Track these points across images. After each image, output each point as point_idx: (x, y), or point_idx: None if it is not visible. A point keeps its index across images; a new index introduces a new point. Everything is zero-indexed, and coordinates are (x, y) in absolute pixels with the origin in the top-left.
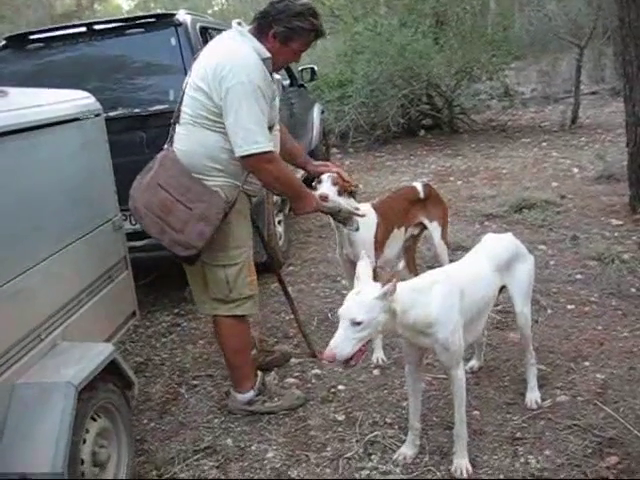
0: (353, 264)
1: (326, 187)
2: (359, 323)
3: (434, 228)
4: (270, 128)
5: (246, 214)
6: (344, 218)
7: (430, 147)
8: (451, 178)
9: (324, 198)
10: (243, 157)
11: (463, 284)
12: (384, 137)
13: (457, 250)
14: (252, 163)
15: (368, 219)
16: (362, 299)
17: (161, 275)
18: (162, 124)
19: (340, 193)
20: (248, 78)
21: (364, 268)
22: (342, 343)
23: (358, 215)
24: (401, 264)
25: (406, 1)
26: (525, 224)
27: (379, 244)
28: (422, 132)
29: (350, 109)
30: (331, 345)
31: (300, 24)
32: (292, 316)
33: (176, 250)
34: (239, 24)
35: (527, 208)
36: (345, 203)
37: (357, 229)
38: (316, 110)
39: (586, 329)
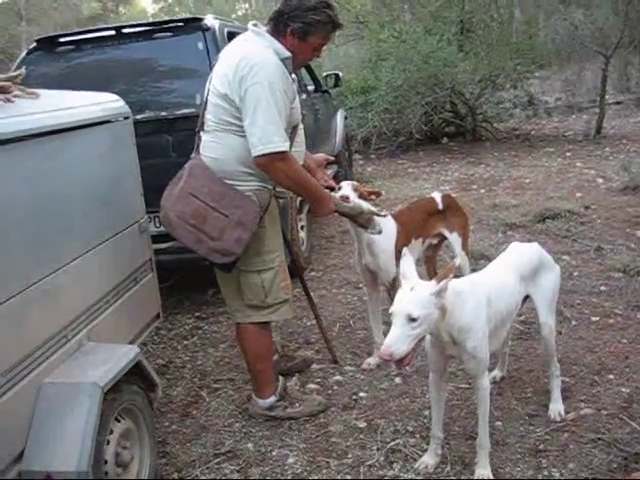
0: (373, 274)
1: (347, 190)
2: (415, 319)
3: (454, 239)
4: (294, 127)
5: (277, 218)
6: (366, 220)
7: (453, 155)
8: (474, 186)
9: (345, 199)
10: (257, 156)
11: (489, 292)
12: (406, 144)
13: (480, 259)
14: (265, 162)
15: (388, 228)
16: (419, 294)
17: (183, 277)
18: (188, 128)
19: (361, 198)
20: (267, 78)
21: (408, 265)
22: (398, 341)
23: (380, 215)
24: (457, 260)
25: (432, 8)
26: (549, 234)
27: (397, 255)
28: (445, 140)
29: (373, 115)
30: (387, 343)
31: (316, 17)
32: (314, 322)
33: (214, 258)
34: (255, 25)
35: (551, 218)
36: (366, 205)
37: (380, 232)
38: (339, 116)
39: (610, 342)
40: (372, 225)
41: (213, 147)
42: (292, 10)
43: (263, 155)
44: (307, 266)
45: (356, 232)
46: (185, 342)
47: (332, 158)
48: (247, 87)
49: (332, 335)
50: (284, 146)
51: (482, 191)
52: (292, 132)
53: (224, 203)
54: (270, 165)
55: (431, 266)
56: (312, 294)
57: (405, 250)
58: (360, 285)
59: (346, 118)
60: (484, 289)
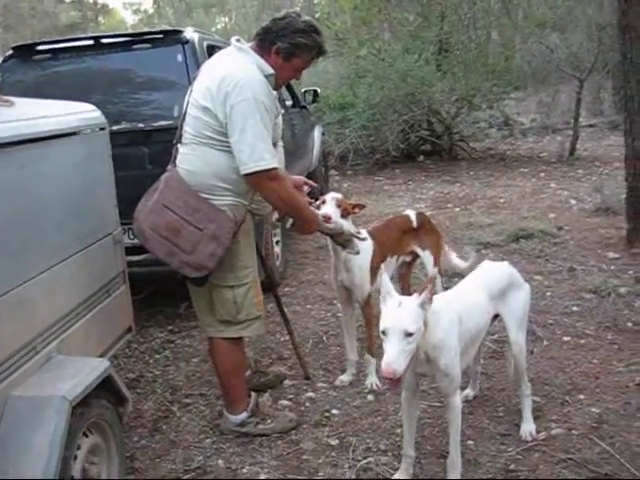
0: (348, 290)
1: (330, 208)
2: (411, 334)
3: (427, 257)
4: (274, 144)
5: (252, 233)
6: (345, 241)
7: (428, 173)
8: (449, 205)
9: (327, 219)
10: (248, 174)
11: (460, 311)
12: (383, 161)
13: (454, 277)
14: (255, 180)
15: (365, 246)
16: (409, 308)
17: (156, 290)
18: (165, 140)
19: (343, 215)
20: (253, 95)
21: (388, 282)
22: (399, 357)
23: (359, 238)
24: (435, 270)
25: (411, 28)
26: (522, 254)
27: (374, 271)
28: (421, 158)
29: (350, 132)
30: (388, 360)
31: (303, 40)
32: (287, 337)
33: (186, 271)
34: (238, 40)
35: (524, 238)
36: (347, 225)
37: (358, 252)
38: (317, 132)
39: (582, 362)
40: (351, 246)
41: (190, 160)
42: (280, 29)
43: (254, 173)
44: (281, 281)
45: (334, 249)
46: (157, 356)
47: (314, 184)
48: (233, 104)
49: (305, 351)
50: (274, 163)
51: (457, 210)
52: (274, 146)
53: (198, 217)
54: (261, 183)
55: (405, 283)
56: (286, 310)
57: (382, 268)
58: (334, 301)
59: (323, 134)
60: (456, 307)
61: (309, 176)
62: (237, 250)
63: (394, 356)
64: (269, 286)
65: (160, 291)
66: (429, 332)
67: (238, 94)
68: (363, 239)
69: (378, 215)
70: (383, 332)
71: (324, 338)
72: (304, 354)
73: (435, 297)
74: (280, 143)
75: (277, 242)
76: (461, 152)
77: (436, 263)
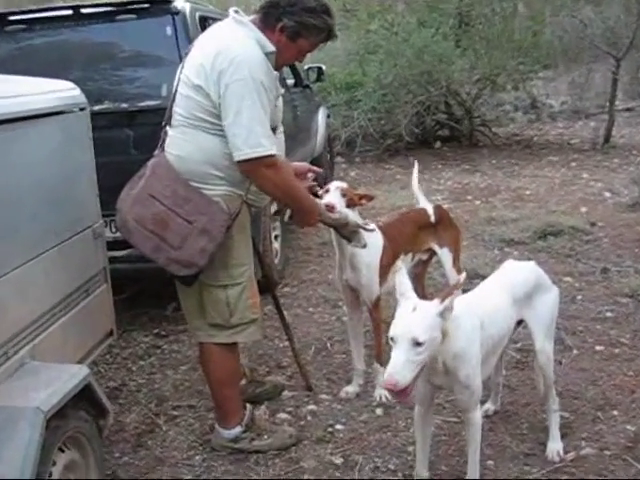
0: (354, 291)
1: (334, 197)
2: (421, 344)
3: (445, 255)
4: (274, 129)
5: (248, 227)
6: (350, 233)
7: (446, 161)
8: (468, 197)
9: (330, 208)
10: (242, 161)
11: (482, 315)
12: (395, 147)
13: (474, 278)
14: (250, 168)
15: (374, 241)
16: (424, 315)
17: (141, 290)
18: (152, 122)
19: (349, 206)
20: (250, 73)
21: (405, 281)
22: (404, 368)
23: (366, 229)
24: (463, 275)
25: None
26: (550, 253)
27: (384, 270)
28: (438, 144)
29: (359, 114)
30: (390, 371)
31: (313, 20)
32: (286, 343)
33: (173, 269)
34: (236, 12)
35: (553, 235)
36: (352, 216)
37: (365, 246)
38: (321, 114)
39: (616, 374)
40: (357, 238)
41: (180, 144)
42: (289, 5)
43: (249, 160)
44: (280, 281)
45: (339, 243)
46: (141, 363)
47: (320, 170)
48: (228, 83)
49: (306, 359)
50: (272, 150)
51: (478, 202)
52: (274, 131)
53: (188, 208)
54: (256, 171)
55: (420, 284)
56: (285, 313)
57: (400, 264)
58: (340, 303)
59: (329, 116)
60: (478, 311)
61: (312, 163)
62: (231, 246)
63: (398, 366)
64: (267, 286)
65: (145, 291)
66: (450, 340)
67: (234, 72)
68: (371, 230)
69: (389, 208)
70: (391, 338)
71: (328, 345)
72: (305, 362)
73: (456, 301)
74: (280, 128)
75: (276, 237)
76: (482, 138)
77: (455, 262)
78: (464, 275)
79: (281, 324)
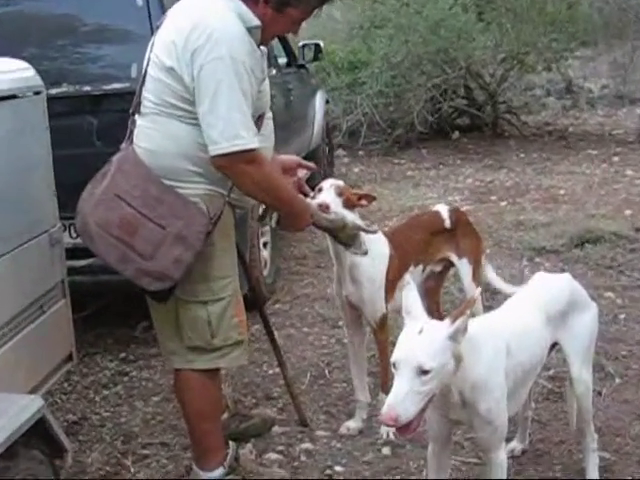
0: (356, 309)
1: (328, 195)
2: (427, 372)
3: (464, 266)
4: (259, 118)
5: (232, 233)
6: (348, 237)
7: (466, 155)
8: (492, 197)
9: (324, 208)
10: (218, 156)
11: (509, 338)
12: (406, 139)
13: (497, 294)
14: (227, 164)
15: (378, 250)
16: (432, 339)
17: (106, 306)
18: (119, 108)
19: (346, 207)
20: (230, 52)
21: (413, 297)
22: (406, 399)
23: (369, 232)
24: (478, 291)
25: None
26: (588, 263)
27: (390, 285)
28: (456, 134)
29: (363, 100)
30: (391, 402)
31: None
32: (277, 370)
33: (143, 282)
34: None
35: (591, 242)
36: (351, 217)
37: (365, 252)
38: (319, 99)
39: None
40: (356, 243)
41: (151, 136)
42: None
43: (226, 155)
44: (270, 296)
45: (336, 251)
46: (105, 392)
47: (313, 166)
48: (203, 63)
49: (301, 388)
50: (254, 142)
51: (503, 204)
52: (257, 122)
53: (161, 211)
54: (234, 168)
55: (433, 301)
56: (276, 333)
57: (408, 277)
58: (340, 323)
59: (328, 102)
60: (503, 333)
61: (309, 157)
62: (212, 255)
63: (400, 397)
64: (254, 302)
65: (111, 307)
66: (466, 367)
67: (211, 50)
68: (373, 232)
69: (398, 210)
70: (394, 364)
71: (326, 372)
72: (299, 392)
73: (475, 320)
74: (268, 114)
75: (265, 244)
76: (509, 128)
77: (475, 275)
78: (479, 291)
79: (271, 347)
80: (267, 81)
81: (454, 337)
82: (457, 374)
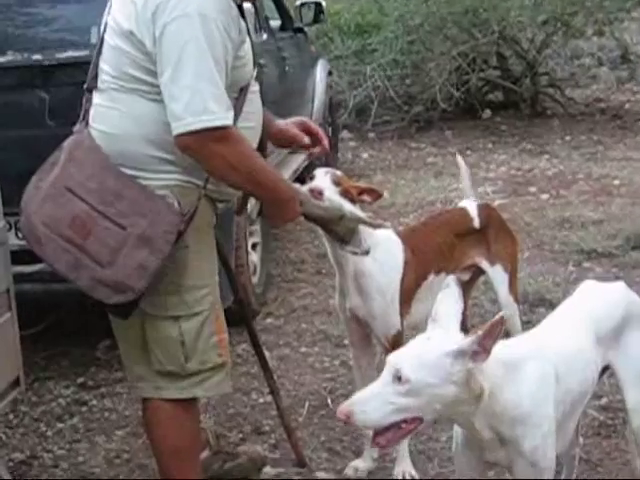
0: (362, 325)
1: (322, 181)
2: (402, 381)
3: (497, 275)
4: (242, 90)
5: (210, 232)
6: (346, 231)
7: (499, 138)
8: (531, 189)
9: (317, 194)
10: (181, 135)
11: (556, 361)
12: (426, 118)
13: (538, 306)
14: (194, 144)
15: (390, 254)
16: (426, 349)
17: (59, 321)
18: (77, 81)
19: (344, 196)
20: (198, 8)
21: (448, 302)
22: (371, 401)
23: (372, 225)
24: (506, 312)
25: None
26: None
27: (406, 296)
28: (487, 113)
29: (374, 71)
30: (354, 398)
31: None
32: (269, 398)
33: (101, 294)
34: None
35: None
36: (349, 207)
37: (367, 252)
38: (320, 70)
39: None
40: (355, 240)
41: (109, 116)
42: None
43: (191, 133)
44: (260, 309)
45: (335, 254)
46: (59, 425)
47: (320, 133)
48: (166, 22)
49: (298, 421)
50: (226, 118)
51: (544, 197)
52: (238, 97)
53: (121, 207)
54: (202, 149)
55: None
56: (268, 354)
57: (451, 279)
58: (345, 341)
59: (331, 73)
60: (550, 355)
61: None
62: (185, 260)
63: (365, 396)
64: (240, 316)
65: (65, 322)
66: (504, 398)
67: (175, 6)
68: (378, 226)
69: (417, 205)
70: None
71: (328, 400)
72: (296, 426)
73: (516, 341)
74: (253, 87)
75: (254, 246)
76: (551, 105)
77: (512, 284)
78: (512, 309)
79: (261, 371)
80: (248, 45)
81: (459, 357)
82: (483, 407)
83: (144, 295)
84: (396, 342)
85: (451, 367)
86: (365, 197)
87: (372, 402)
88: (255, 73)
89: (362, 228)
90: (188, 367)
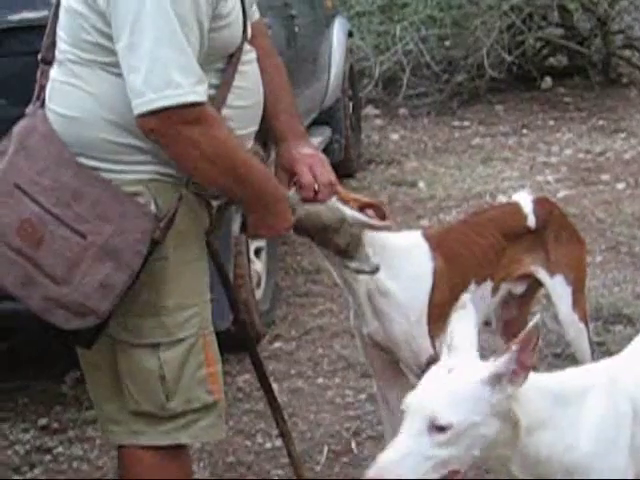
0: (384, 351)
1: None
2: (444, 429)
3: (558, 288)
4: (231, 57)
5: (198, 239)
6: (348, 242)
7: (563, 113)
8: (604, 177)
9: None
10: (142, 115)
11: (634, 394)
12: (471, 89)
13: (614, 323)
14: (157, 125)
15: (415, 263)
16: (458, 383)
17: (14, 348)
18: (32, 49)
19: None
20: None
21: (465, 325)
22: (405, 461)
23: (379, 228)
24: (537, 318)
25: None
26: None
27: (437, 312)
28: (548, 82)
29: (405, 31)
30: (383, 461)
31: None
32: (278, 442)
33: (56, 318)
34: None
35: None
36: (351, 211)
37: (376, 269)
38: (337, 31)
39: None
40: (361, 252)
41: (66, 94)
42: None
43: (153, 112)
44: (266, 331)
45: (341, 274)
46: (17, 478)
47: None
48: None
49: (315, 470)
50: (195, 93)
51: (620, 187)
52: (226, 68)
53: (80, 209)
54: (167, 132)
55: (514, 339)
56: (276, 387)
57: (465, 298)
58: (371, 370)
59: (351, 35)
60: (627, 390)
61: (322, 118)
62: (163, 275)
63: (397, 456)
64: (242, 341)
65: (25, 350)
66: (553, 440)
67: None
68: (384, 229)
69: (460, 198)
70: (402, 412)
71: (352, 444)
72: (314, 475)
73: (579, 371)
74: (248, 55)
75: (258, 252)
76: (628, 71)
77: (579, 299)
78: (537, 319)
79: (269, 408)
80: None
81: (496, 382)
82: (523, 447)
83: (112, 317)
84: (427, 367)
85: (491, 397)
86: (367, 211)
87: (407, 462)
88: (248, 35)
89: (372, 237)
90: (170, 407)
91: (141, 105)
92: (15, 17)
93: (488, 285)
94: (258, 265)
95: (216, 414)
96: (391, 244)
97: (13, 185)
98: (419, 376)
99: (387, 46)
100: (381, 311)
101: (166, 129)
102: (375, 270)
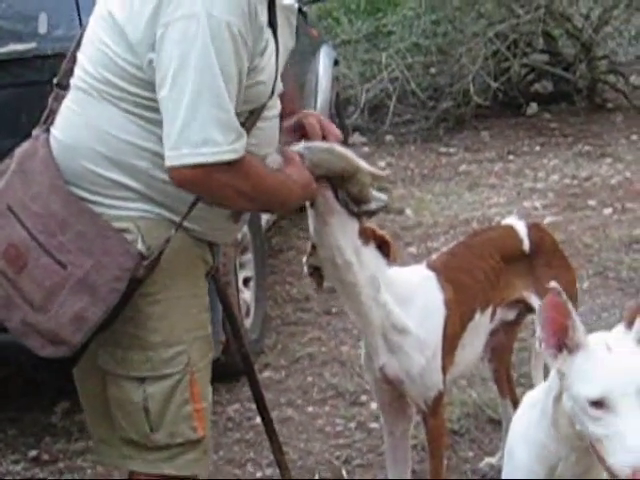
0: (396, 387)
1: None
2: None
3: None
4: (254, 112)
5: (193, 278)
6: (360, 189)
7: (549, 138)
8: (590, 202)
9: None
10: (177, 168)
11: None
12: (457, 115)
13: None
14: (192, 178)
15: (427, 299)
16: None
17: (6, 378)
18: (21, 80)
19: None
20: (206, 7)
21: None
22: None
23: (379, 175)
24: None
25: None
26: None
27: (451, 345)
28: (533, 108)
29: (391, 58)
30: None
31: None
32: (269, 472)
33: (33, 343)
34: None
35: None
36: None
37: (385, 205)
38: (323, 59)
39: None
40: (371, 195)
41: (70, 122)
42: None
43: (188, 167)
44: (255, 360)
45: (357, 308)
46: None
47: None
48: (168, 22)
49: None
50: (234, 151)
51: (607, 212)
52: (245, 122)
53: (64, 239)
54: (205, 182)
55: (502, 364)
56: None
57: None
58: (363, 398)
59: (337, 63)
60: None
61: None
62: (146, 312)
63: None
64: (231, 371)
65: (14, 379)
66: None
67: (180, 4)
68: (383, 175)
69: (447, 225)
70: (598, 403)
71: (343, 472)
72: None
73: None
74: (272, 111)
75: (246, 281)
76: (613, 96)
77: None
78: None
79: (263, 437)
80: (272, 55)
81: None
82: None
83: (82, 350)
84: (437, 405)
85: None
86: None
87: None
88: (276, 92)
89: (381, 277)
90: (154, 439)
91: (173, 158)
92: (4, 50)
93: (488, 313)
94: (246, 294)
95: (201, 450)
96: (400, 280)
97: (6, 206)
98: (424, 411)
99: (373, 74)
100: (398, 347)
101: (203, 180)
102: (385, 205)
